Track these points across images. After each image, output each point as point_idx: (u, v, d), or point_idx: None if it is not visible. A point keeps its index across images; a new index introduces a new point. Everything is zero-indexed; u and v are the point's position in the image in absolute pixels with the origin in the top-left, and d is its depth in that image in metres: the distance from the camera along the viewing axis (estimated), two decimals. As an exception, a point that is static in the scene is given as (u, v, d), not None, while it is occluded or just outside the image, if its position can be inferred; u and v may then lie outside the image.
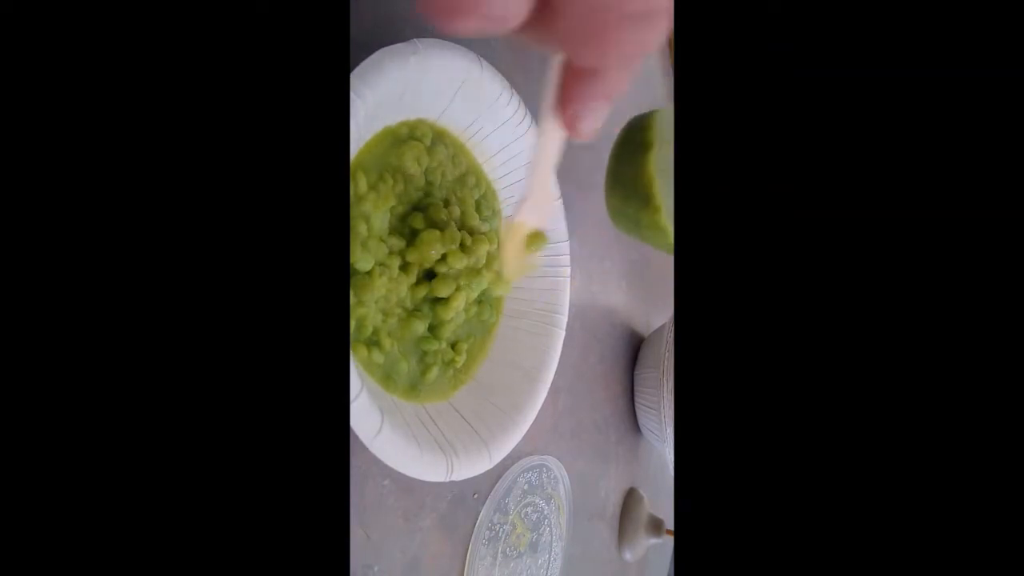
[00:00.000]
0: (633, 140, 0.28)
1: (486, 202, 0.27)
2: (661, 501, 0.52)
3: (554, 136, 0.15)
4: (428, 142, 0.24)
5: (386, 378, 0.23)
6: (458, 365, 0.26)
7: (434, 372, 0.25)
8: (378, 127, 0.23)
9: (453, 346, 0.26)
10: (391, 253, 0.22)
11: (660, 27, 0.09)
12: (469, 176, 0.27)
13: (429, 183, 0.24)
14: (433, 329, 0.25)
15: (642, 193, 0.27)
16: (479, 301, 0.27)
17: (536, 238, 0.23)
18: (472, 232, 0.25)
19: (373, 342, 0.22)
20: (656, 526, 0.45)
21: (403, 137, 0.23)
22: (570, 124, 0.12)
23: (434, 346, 0.25)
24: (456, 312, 0.24)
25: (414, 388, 0.24)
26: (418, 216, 0.23)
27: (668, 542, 0.48)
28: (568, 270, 0.30)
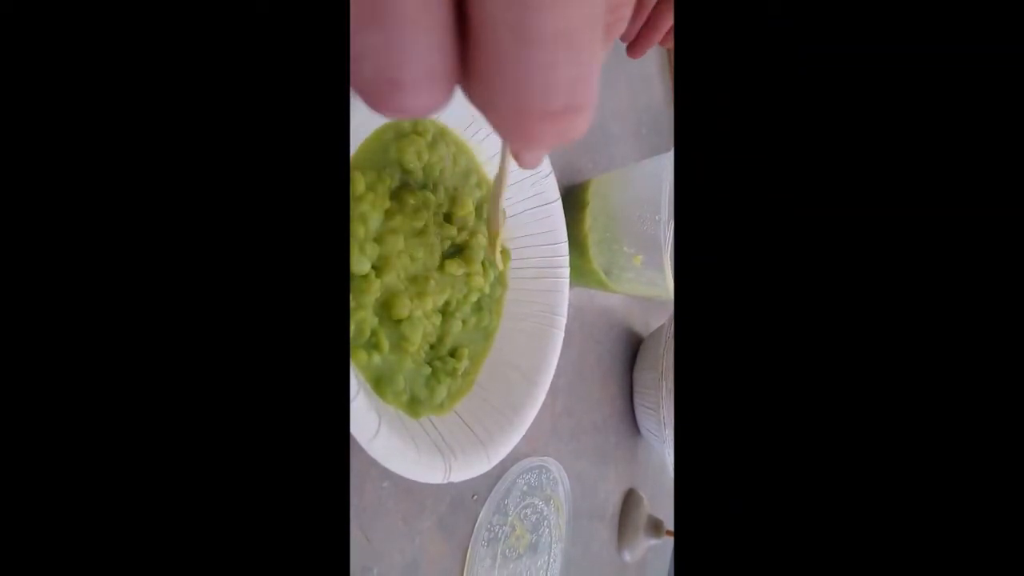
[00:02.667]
0: (574, 199, 0.34)
1: (486, 204, 0.27)
2: (660, 502, 0.52)
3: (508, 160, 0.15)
4: (430, 138, 0.24)
5: (387, 387, 0.23)
6: (460, 372, 0.26)
7: (438, 391, 0.24)
8: (380, 121, 0.22)
9: (453, 353, 0.26)
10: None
11: (583, 120, 0.09)
12: (471, 175, 0.27)
13: (427, 178, 0.24)
14: (433, 347, 0.25)
15: (579, 243, 0.33)
16: (479, 308, 0.27)
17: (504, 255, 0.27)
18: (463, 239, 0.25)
19: (372, 345, 0.22)
20: (656, 527, 0.45)
21: (406, 131, 0.23)
22: (515, 155, 0.12)
23: (435, 363, 0.25)
24: (419, 333, 0.24)
25: (415, 401, 0.24)
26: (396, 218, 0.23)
27: (668, 543, 0.48)
28: (567, 271, 0.30)
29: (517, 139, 0.09)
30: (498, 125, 0.09)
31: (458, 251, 0.26)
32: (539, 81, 0.08)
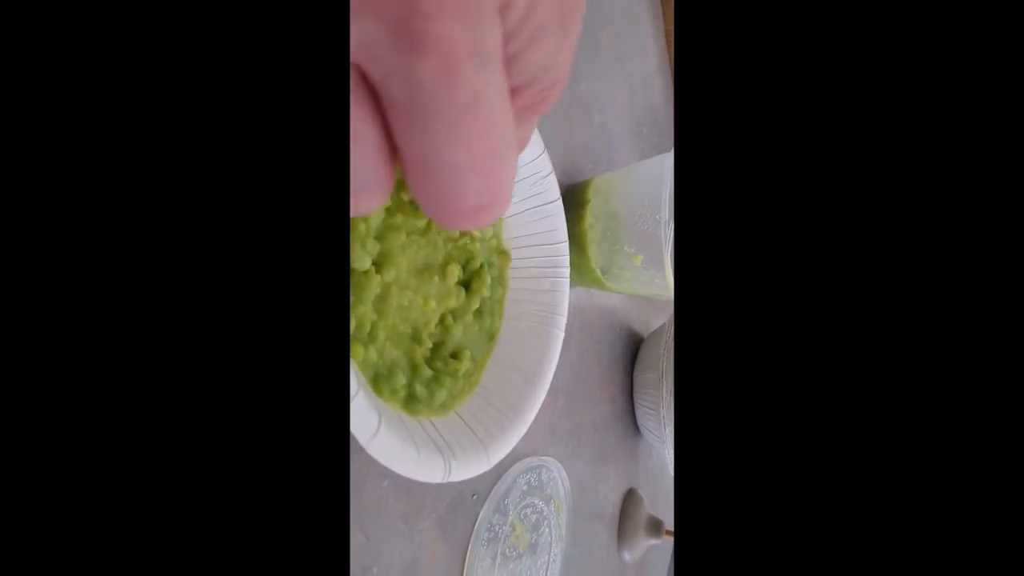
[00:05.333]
0: (574, 197, 0.34)
1: None
2: (660, 502, 0.52)
3: None
4: None
5: (384, 384, 0.23)
6: (461, 373, 0.25)
7: (438, 393, 0.24)
8: None
9: (455, 354, 0.26)
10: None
11: (495, 211, 0.11)
12: None
13: None
14: (435, 349, 0.25)
15: (579, 241, 0.33)
16: (480, 312, 0.27)
17: None
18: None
19: (372, 339, 0.22)
20: (655, 527, 0.45)
21: None
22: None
23: (437, 364, 0.25)
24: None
25: (413, 399, 0.24)
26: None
27: (668, 543, 0.48)
28: (567, 271, 0.30)
29: (441, 225, 0.11)
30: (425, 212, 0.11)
31: (460, 253, 0.26)
32: (449, 194, 0.10)
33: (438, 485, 0.27)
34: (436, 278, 0.24)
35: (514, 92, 0.10)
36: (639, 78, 0.49)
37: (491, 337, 0.28)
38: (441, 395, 0.24)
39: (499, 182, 0.10)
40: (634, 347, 0.47)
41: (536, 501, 0.33)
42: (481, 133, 0.09)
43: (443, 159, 0.09)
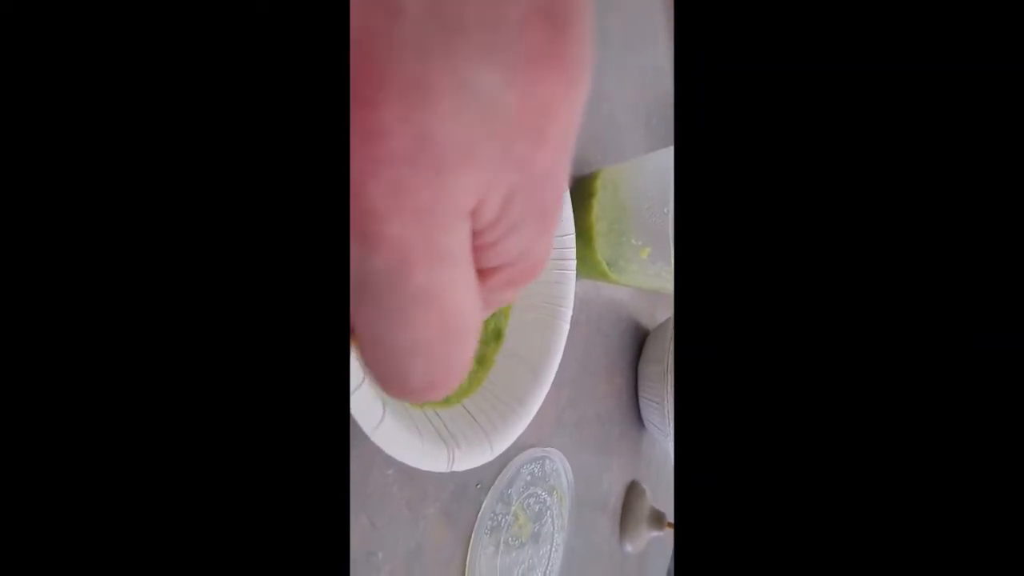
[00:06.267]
0: (582, 188, 0.34)
1: None
2: (663, 495, 0.53)
3: None
4: None
5: None
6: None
7: None
8: None
9: None
10: None
11: (440, 391, 0.11)
12: None
13: None
14: None
15: (585, 233, 0.33)
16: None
17: None
18: None
19: None
20: (657, 519, 0.45)
21: None
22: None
23: None
24: None
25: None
26: None
27: (669, 535, 0.48)
28: (573, 263, 0.30)
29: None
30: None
31: None
32: (394, 374, 0.10)
33: (443, 474, 0.27)
34: None
35: (494, 270, 0.10)
36: (649, 69, 0.49)
37: (498, 336, 0.28)
38: None
39: (447, 364, 0.10)
40: (639, 340, 0.47)
41: (539, 491, 0.33)
42: (432, 322, 0.09)
43: (391, 341, 0.09)
